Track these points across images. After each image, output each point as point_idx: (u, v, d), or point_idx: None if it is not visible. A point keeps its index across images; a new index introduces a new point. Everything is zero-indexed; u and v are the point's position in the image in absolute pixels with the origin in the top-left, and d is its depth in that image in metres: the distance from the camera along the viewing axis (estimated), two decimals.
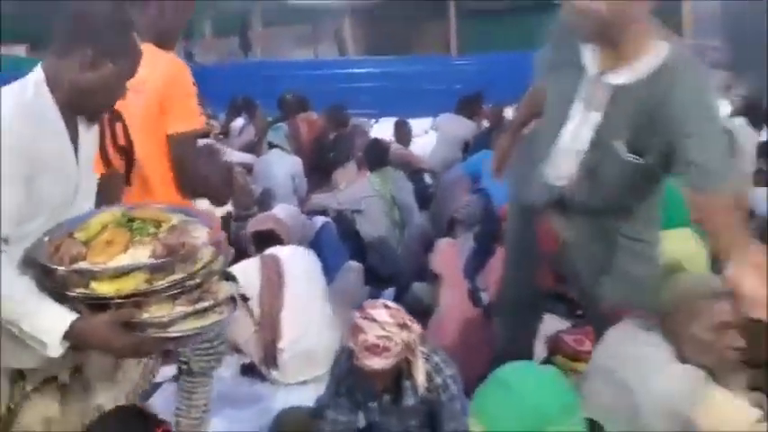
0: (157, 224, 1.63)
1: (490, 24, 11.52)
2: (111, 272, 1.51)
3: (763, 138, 6.50)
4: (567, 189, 2.12)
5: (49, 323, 1.48)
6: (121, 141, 2.21)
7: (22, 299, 1.49)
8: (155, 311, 1.53)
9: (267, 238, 3.44)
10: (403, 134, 6.57)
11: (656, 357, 1.90)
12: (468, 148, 6.22)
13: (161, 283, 1.52)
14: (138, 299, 1.51)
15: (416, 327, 2.20)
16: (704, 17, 11.00)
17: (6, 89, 1.61)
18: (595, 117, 2.00)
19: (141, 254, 1.55)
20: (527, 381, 1.61)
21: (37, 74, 1.64)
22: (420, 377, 2.21)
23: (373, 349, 2.12)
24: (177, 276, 1.53)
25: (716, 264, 3.30)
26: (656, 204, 2.24)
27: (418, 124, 7.63)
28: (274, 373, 3.13)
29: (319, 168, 5.90)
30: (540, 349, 3.17)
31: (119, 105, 1.88)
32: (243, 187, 4.48)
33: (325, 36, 13.68)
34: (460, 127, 6.56)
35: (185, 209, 1.77)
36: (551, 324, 3.19)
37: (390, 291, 3.79)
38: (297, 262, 3.26)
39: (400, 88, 10.25)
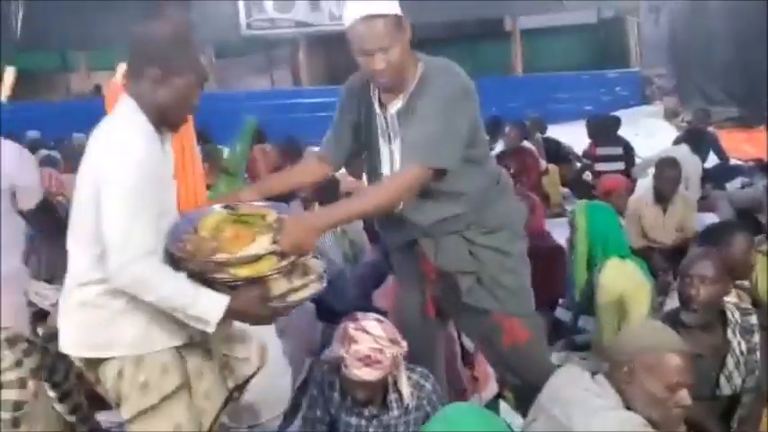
0: (262, 217, 2.00)
1: (436, 53, 11.65)
2: (251, 258, 1.88)
3: (707, 164, 6.70)
4: (407, 214, 2.30)
5: (208, 306, 1.84)
6: None
7: (185, 290, 1.84)
8: (275, 287, 1.92)
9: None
10: (354, 166, 6.55)
11: (600, 402, 1.91)
12: None
13: (283, 263, 1.91)
14: (266, 278, 1.89)
15: (404, 343, 2.30)
16: (651, 45, 11.32)
17: (108, 122, 1.90)
18: (398, 145, 2.28)
19: (266, 241, 1.92)
20: (464, 419, 1.67)
21: (126, 101, 1.89)
22: (406, 389, 2.32)
23: (365, 360, 2.22)
24: (292, 258, 1.92)
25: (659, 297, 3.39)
26: (505, 215, 2.42)
27: None
28: (223, 419, 3.08)
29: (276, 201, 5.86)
30: (492, 384, 3.19)
31: None
32: None
33: (281, 64, 13.71)
34: None
35: (268, 203, 2.14)
36: None
37: None
38: None
39: None
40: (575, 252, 3.46)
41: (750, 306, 2.64)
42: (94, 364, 1.95)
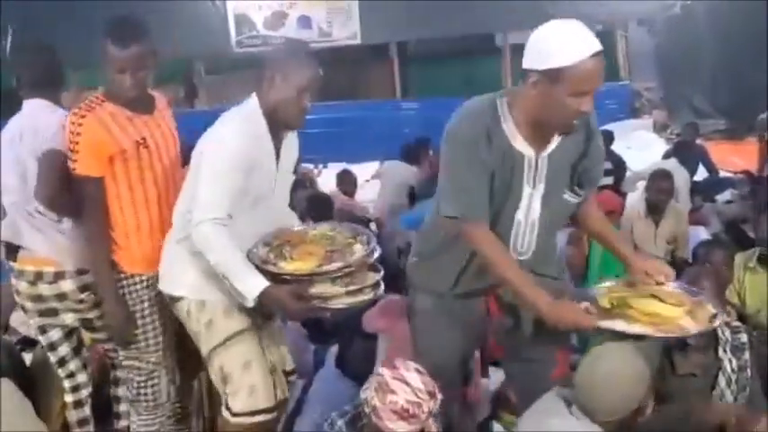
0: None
1: (433, 68, 11.71)
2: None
3: (696, 177, 6.73)
4: (527, 258, 2.25)
5: (250, 284, 2.12)
6: None
7: (237, 264, 2.15)
8: (319, 289, 2.10)
9: None
10: (347, 183, 6.58)
11: None
12: (413, 195, 6.24)
13: (325, 269, 2.10)
14: (309, 278, 2.10)
15: (440, 395, 2.14)
16: (638, 58, 11.37)
17: (228, 114, 2.26)
18: (541, 188, 2.20)
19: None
20: None
21: (252, 100, 2.26)
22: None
23: (401, 413, 2.05)
24: (338, 264, 2.11)
25: None
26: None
27: (366, 168, 7.68)
28: None
29: None
30: (484, 406, 3.18)
31: None
32: None
33: None
34: (405, 173, 6.57)
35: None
36: (496, 378, 3.20)
37: (335, 347, 3.74)
38: None
39: (347, 133, 10.30)
40: (590, 269, 3.42)
41: (739, 323, 2.65)
42: (172, 302, 2.36)
